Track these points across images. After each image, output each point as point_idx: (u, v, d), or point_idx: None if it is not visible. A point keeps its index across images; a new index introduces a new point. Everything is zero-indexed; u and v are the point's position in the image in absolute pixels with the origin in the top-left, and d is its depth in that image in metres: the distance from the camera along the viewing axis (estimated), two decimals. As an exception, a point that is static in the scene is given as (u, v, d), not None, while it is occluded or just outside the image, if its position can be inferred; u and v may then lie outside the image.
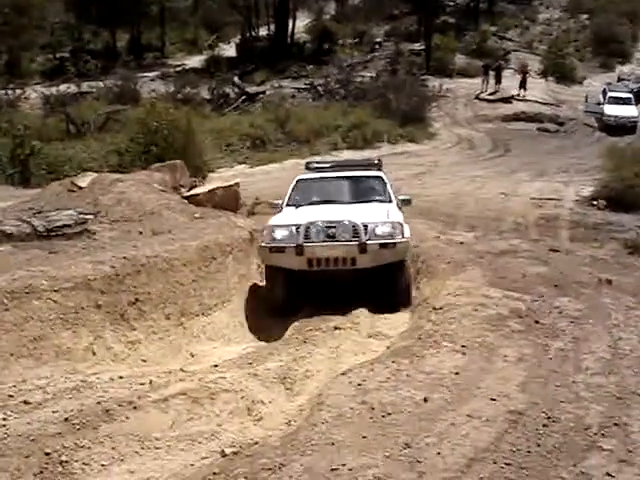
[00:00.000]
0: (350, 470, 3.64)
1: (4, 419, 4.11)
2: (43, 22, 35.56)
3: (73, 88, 26.26)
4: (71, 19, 38.10)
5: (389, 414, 4.27)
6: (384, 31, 40.62)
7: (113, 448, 4.02)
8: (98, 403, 4.36)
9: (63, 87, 25.69)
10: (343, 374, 5.03)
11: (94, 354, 5.75)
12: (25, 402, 4.36)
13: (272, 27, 38.08)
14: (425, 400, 4.45)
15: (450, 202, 15.14)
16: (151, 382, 4.86)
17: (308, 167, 10.15)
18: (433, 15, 36.03)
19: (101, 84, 27.75)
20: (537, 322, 6.09)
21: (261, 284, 8.33)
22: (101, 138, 19.35)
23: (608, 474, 3.66)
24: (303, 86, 30.37)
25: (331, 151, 21.95)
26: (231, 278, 7.96)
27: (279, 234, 7.65)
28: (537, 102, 30.15)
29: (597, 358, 5.32)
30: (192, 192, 11.40)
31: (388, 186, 9.06)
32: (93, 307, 5.96)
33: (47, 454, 3.82)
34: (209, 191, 11.44)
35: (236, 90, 29.04)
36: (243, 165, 20.26)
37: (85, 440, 3.99)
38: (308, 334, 6.58)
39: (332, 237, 7.51)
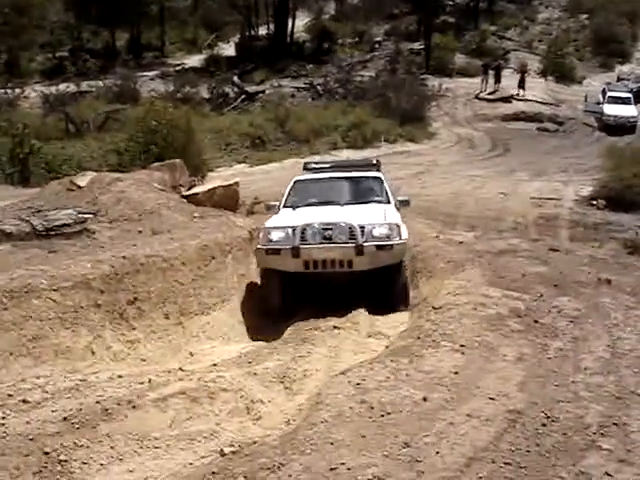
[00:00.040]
0: (349, 469, 3.64)
1: (3, 418, 4.11)
2: (43, 21, 35.54)
3: (72, 87, 26.29)
4: (71, 18, 38.09)
5: (388, 413, 4.27)
6: (384, 30, 40.63)
7: (112, 447, 4.02)
8: (97, 402, 4.36)
9: (62, 86, 25.73)
10: (342, 373, 5.02)
11: (93, 353, 5.75)
12: (24, 401, 4.35)
13: (271, 26, 38.09)
14: (424, 399, 4.45)
15: (450, 202, 15.15)
16: (150, 381, 4.86)
17: (306, 168, 10.13)
18: (433, 14, 36.04)
19: (100, 83, 27.77)
20: (536, 322, 6.09)
21: (261, 283, 8.32)
22: (100, 137, 19.37)
23: (607, 474, 3.66)
24: (303, 85, 30.38)
25: (331, 150, 21.96)
26: (230, 277, 7.96)
27: (275, 236, 7.59)
28: (537, 102, 30.17)
29: (596, 358, 5.32)
30: (191, 191, 11.40)
31: (386, 187, 9.03)
32: (92, 306, 5.96)
33: (46, 453, 3.82)
34: (208, 190, 11.43)
35: (235, 89, 29.04)
36: (242, 164, 20.26)
37: (84, 439, 3.99)
38: (307, 333, 6.58)
39: (328, 239, 7.45)
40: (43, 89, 25.98)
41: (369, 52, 36.51)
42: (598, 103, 28.27)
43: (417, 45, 36.21)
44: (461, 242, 10.01)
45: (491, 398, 4.50)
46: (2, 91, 24.99)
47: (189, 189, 11.65)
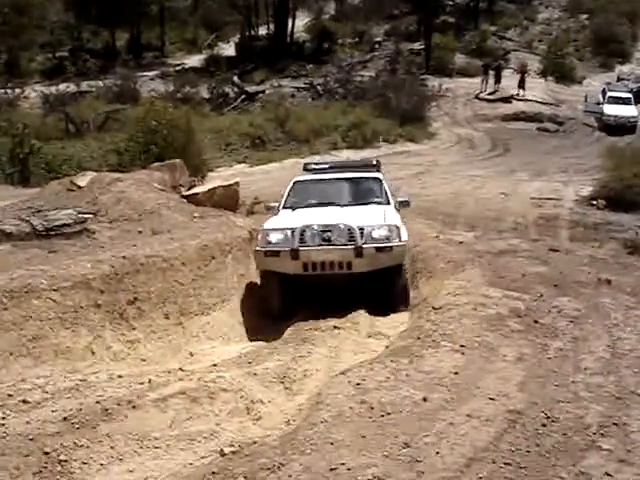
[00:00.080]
0: (349, 469, 3.64)
1: (3, 418, 4.11)
2: (43, 21, 35.55)
3: (72, 87, 26.30)
4: (71, 18, 38.11)
5: (388, 414, 4.26)
6: (384, 30, 40.65)
7: (112, 447, 4.02)
8: (97, 402, 4.36)
9: (62, 86, 25.74)
10: (342, 373, 5.02)
11: (93, 353, 5.75)
12: (24, 401, 4.35)
13: (272, 26, 38.09)
14: (424, 400, 4.45)
15: (450, 202, 15.15)
16: (150, 381, 4.86)
17: (306, 168, 10.09)
18: (433, 15, 36.04)
19: (100, 83, 27.78)
20: (536, 322, 6.09)
21: (260, 283, 8.32)
22: (100, 137, 19.37)
23: (607, 474, 3.66)
24: (303, 85, 30.38)
25: (331, 150, 21.96)
26: (230, 277, 7.96)
27: (274, 238, 7.54)
28: (537, 102, 30.18)
29: (596, 358, 5.32)
30: (191, 191, 11.39)
31: (386, 188, 8.98)
32: (92, 306, 5.96)
33: (46, 453, 3.82)
34: (208, 190, 11.42)
35: (235, 89, 29.05)
36: (242, 164, 20.26)
37: (84, 439, 3.99)
38: (307, 333, 6.58)
39: (328, 241, 7.39)
40: (43, 89, 26.00)
41: (369, 52, 36.53)
42: (598, 103, 28.28)
43: (417, 45, 36.22)
44: (461, 242, 10.01)
45: (491, 398, 4.50)
46: (2, 91, 25.00)
47: (189, 189, 11.65)
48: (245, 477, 3.67)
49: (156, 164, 12.30)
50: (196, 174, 13.58)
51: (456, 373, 4.89)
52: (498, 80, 31.04)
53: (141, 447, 4.09)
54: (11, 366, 5.04)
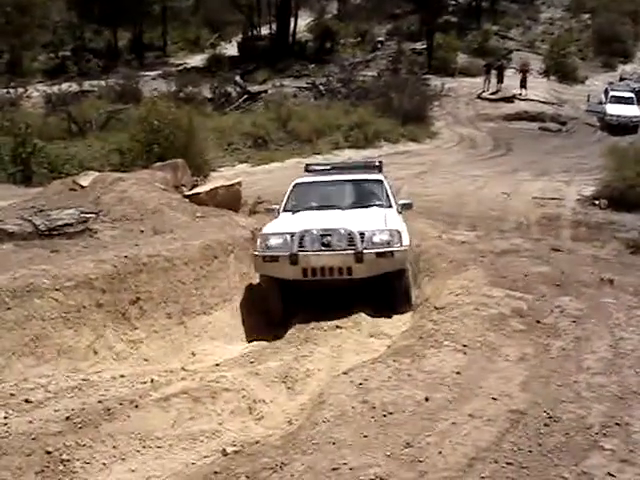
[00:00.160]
0: (351, 469, 3.64)
1: (5, 417, 4.12)
2: (45, 21, 35.69)
3: (75, 87, 26.36)
4: (73, 18, 38.21)
5: (390, 413, 4.26)
6: (386, 30, 40.66)
7: (114, 447, 4.03)
8: (99, 402, 4.37)
9: (65, 86, 25.77)
10: (344, 373, 5.02)
11: (95, 353, 5.76)
12: (26, 401, 4.37)
13: (274, 26, 38.09)
14: (426, 399, 4.45)
15: (452, 201, 15.14)
16: (152, 381, 4.87)
17: (308, 169, 10.00)
18: (435, 14, 35.99)
19: (103, 83, 27.82)
20: (539, 321, 6.08)
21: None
22: (103, 137, 19.40)
23: (609, 474, 3.65)
24: (305, 85, 30.37)
25: (333, 150, 21.94)
26: (232, 277, 7.95)
27: (273, 242, 7.42)
28: (539, 101, 30.16)
29: (599, 358, 5.31)
30: (194, 191, 11.40)
31: (388, 190, 8.83)
32: (95, 306, 5.97)
33: (48, 453, 3.83)
34: (211, 190, 11.43)
35: (238, 89, 29.05)
36: (245, 164, 20.26)
37: (86, 439, 3.99)
38: (309, 333, 6.57)
39: (327, 246, 7.25)
40: (45, 89, 26.03)
41: (371, 52, 36.52)
42: (600, 103, 28.25)
43: (419, 45, 36.21)
44: (463, 242, 10.00)
45: (493, 398, 4.50)
46: (5, 91, 25.05)
47: (191, 189, 11.66)
48: (247, 477, 3.68)
49: (158, 164, 12.32)
50: (198, 174, 13.61)
51: (458, 373, 4.89)
52: (500, 80, 31.02)
53: (143, 447, 4.10)
54: (14, 365, 5.05)
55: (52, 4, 36.15)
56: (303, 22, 39.18)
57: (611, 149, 18.48)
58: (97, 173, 10.96)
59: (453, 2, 41.97)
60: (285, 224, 7.88)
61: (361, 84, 29.30)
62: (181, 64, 35.43)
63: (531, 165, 20.97)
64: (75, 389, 4.58)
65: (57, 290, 5.70)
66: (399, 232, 7.47)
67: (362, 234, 7.27)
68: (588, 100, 28.75)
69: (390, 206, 8.49)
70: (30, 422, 4.07)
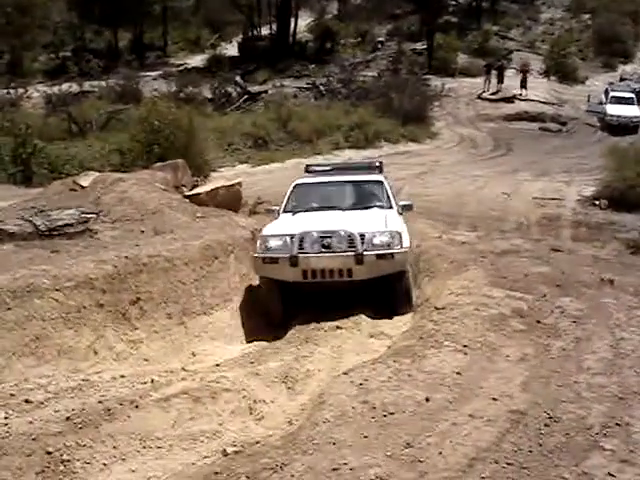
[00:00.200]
0: (351, 469, 3.64)
1: (6, 418, 4.12)
2: (45, 21, 35.67)
3: (75, 87, 26.35)
4: (73, 18, 38.20)
5: (391, 414, 4.26)
6: (386, 30, 40.64)
7: (115, 447, 4.03)
8: (100, 402, 4.37)
9: (65, 86, 25.75)
10: (345, 373, 5.02)
11: (96, 353, 5.77)
12: (27, 401, 4.37)
13: (274, 26, 38.06)
14: (427, 400, 4.45)
15: (452, 202, 15.13)
16: (153, 381, 4.87)
17: (308, 170, 9.97)
18: (435, 14, 35.98)
19: (103, 83, 27.83)
20: (539, 322, 6.08)
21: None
22: (103, 137, 19.39)
23: (610, 474, 3.65)
24: (305, 85, 30.36)
25: (333, 150, 21.93)
26: (233, 277, 7.95)
27: (273, 244, 7.38)
28: (539, 102, 30.15)
29: (599, 358, 5.31)
30: (194, 191, 11.41)
31: (388, 191, 8.79)
32: (95, 306, 5.98)
33: (49, 453, 3.83)
34: (211, 190, 11.43)
35: (238, 89, 29.04)
36: (245, 164, 20.26)
37: (87, 439, 3.99)
38: (310, 333, 6.57)
39: (327, 247, 7.22)
40: (46, 89, 26.03)
41: (372, 52, 36.50)
42: (601, 103, 28.25)
43: (419, 45, 36.20)
44: (463, 242, 10.00)
45: (494, 398, 4.50)
46: (5, 91, 25.05)
47: (192, 189, 11.66)
48: (247, 477, 3.68)
49: (158, 164, 12.33)
50: (198, 174, 13.62)
51: (458, 373, 4.89)
52: (501, 80, 31.01)
53: (144, 447, 4.10)
54: (14, 366, 5.06)
55: (52, 4, 36.14)
56: (303, 22, 39.15)
57: (611, 149, 18.48)
58: (97, 173, 10.96)
59: (453, 2, 41.96)
60: (285, 225, 7.85)
61: (361, 84, 29.30)
62: (181, 64, 35.42)
63: (531, 165, 20.97)
64: (75, 389, 4.58)
65: (57, 290, 5.71)
66: (399, 234, 7.44)
67: (362, 236, 7.24)
68: (588, 100, 28.75)
69: (390, 207, 8.46)
70: (30, 422, 4.08)
